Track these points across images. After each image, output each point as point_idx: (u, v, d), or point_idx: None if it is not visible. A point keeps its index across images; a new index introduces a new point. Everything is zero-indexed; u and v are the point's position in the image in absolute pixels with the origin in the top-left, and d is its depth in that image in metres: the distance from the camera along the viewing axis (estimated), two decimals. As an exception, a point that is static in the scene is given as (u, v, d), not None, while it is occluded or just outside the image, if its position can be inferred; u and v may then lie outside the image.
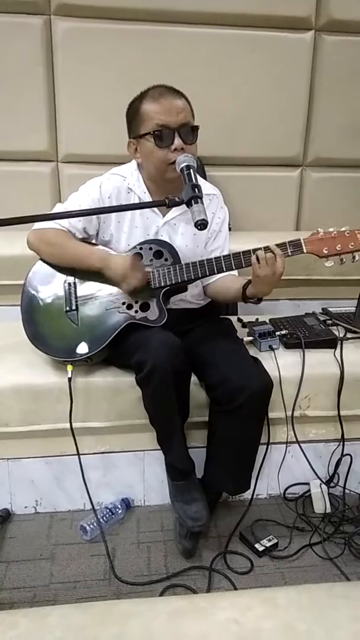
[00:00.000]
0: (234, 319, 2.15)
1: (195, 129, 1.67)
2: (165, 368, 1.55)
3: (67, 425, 1.70)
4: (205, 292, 1.91)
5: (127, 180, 1.77)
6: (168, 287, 1.70)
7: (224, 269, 1.69)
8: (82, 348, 1.70)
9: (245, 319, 2.18)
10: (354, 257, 1.65)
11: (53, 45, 2.41)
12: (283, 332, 1.98)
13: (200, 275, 1.70)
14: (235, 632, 0.96)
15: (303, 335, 1.94)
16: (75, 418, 1.73)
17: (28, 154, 2.54)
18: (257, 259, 1.61)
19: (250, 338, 1.95)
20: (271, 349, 1.91)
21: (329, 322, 2.11)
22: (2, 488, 1.89)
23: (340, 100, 2.61)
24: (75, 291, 1.76)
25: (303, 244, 1.65)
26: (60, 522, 1.89)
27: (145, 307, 1.70)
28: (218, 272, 1.71)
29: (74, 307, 1.75)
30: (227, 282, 1.81)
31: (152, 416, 1.71)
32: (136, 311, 1.70)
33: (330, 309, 2.22)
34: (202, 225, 1.37)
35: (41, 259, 1.81)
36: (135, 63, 2.41)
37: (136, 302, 1.71)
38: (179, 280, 1.69)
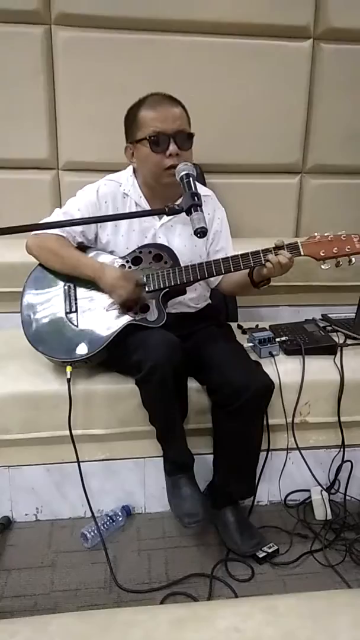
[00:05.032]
0: (234, 325, 2.16)
1: (190, 136, 1.71)
2: (164, 366, 1.57)
3: (67, 432, 1.70)
4: (220, 290, 1.96)
5: (123, 186, 1.81)
6: (167, 289, 1.72)
7: (223, 271, 1.71)
8: (82, 349, 1.71)
9: (246, 325, 2.18)
10: (350, 260, 1.68)
11: (53, 55, 2.43)
12: (283, 338, 1.98)
13: (199, 277, 1.72)
14: (236, 640, 0.96)
15: (303, 341, 1.95)
16: (76, 425, 1.73)
17: (29, 162, 2.55)
18: (271, 263, 1.65)
19: (251, 344, 1.95)
20: (271, 355, 1.91)
21: (329, 328, 2.11)
22: (2, 495, 1.89)
23: (338, 107, 2.62)
24: (75, 293, 1.78)
25: (300, 247, 1.68)
26: (61, 529, 1.89)
27: (144, 308, 1.72)
28: (217, 275, 1.74)
29: (73, 309, 1.76)
30: (233, 276, 1.82)
31: (153, 415, 1.72)
32: (135, 312, 1.72)
33: (330, 315, 2.23)
34: (201, 233, 1.39)
35: (40, 265, 1.84)
36: (135, 72, 2.42)
37: (135, 304, 1.72)
38: (178, 282, 1.71)
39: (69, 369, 1.70)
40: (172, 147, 1.65)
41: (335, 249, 1.66)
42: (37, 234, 1.79)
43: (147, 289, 1.73)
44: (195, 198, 1.43)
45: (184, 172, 1.54)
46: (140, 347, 1.62)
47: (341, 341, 2.01)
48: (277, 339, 1.96)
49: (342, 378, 1.87)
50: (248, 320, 2.29)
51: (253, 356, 1.89)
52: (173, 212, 1.36)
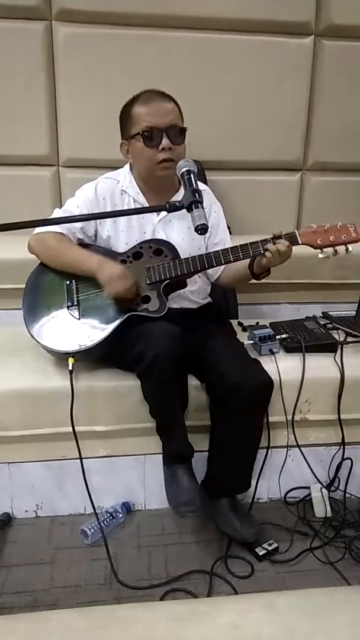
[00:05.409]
0: (234, 322, 2.16)
1: (183, 130, 1.74)
2: (166, 357, 1.58)
3: (68, 429, 1.69)
4: (219, 283, 1.98)
5: (121, 183, 1.84)
6: (168, 281, 1.73)
7: (223, 262, 1.74)
8: (84, 340, 1.71)
9: (246, 322, 2.18)
10: (347, 249, 1.71)
11: (54, 50, 2.43)
12: (283, 335, 1.98)
13: (199, 268, 1.74)
14: (236, 637, 0.96)
15: (303, 339, 1.94)
16: (77, 422, 1.73)
17: (29, 159, 2.55)
18: (270, 252, 1.68)
19: (251, 342, 1.95)
20: (272, 352, 1.91)
21: (330, 326, 2.11)
22: (3, 492, 1.89)
23: (339, 104, 2.62)
24: (77, 288, 1.79)
25: (298, 236, 1.72)
26: (61, 526, 1.89)
27: (146, 300, 1.74)
28: (217, 265, 1.76)
29: (75, 303, 1.77)
30: (232, 267, 1.85)
31: (153, 406, 1.73)
32: (137, 304, 1.73)
33: (330, 313, 2.23)
34: (202, 230, 1.39)
35: (41, 263, 1.84)
36: (135, 68, 2.42)
37: (137, 295, 1.74)
38: (179, 274, 1.73)
39: (70, 360, 1.70)
40: (165, 142, 1.68)
41: (332, 237, 1.70)
42: (38, 233, 1.81)
43: (147, 281, 1.74)
44: (196, 195, 1.43)
45: (184, 169, 1.54)
46: (141, 339, 1.63)
47: (341, 339, 2.01)
48: (278, 337, 1.96)
49: (342, 376, 1.87)
50: (248, 318, 2.29)
51: (253, 354, 1.90)
52: (174, 208, 1.36)
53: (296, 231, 1.72)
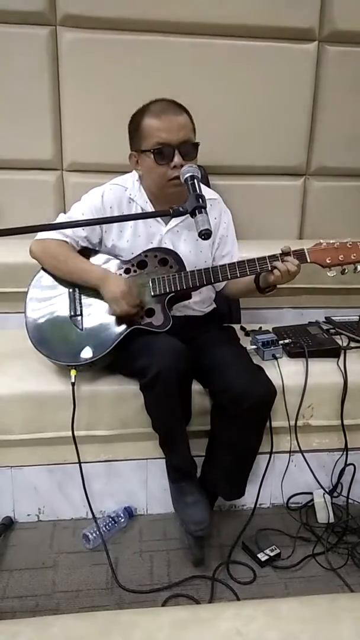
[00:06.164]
0: (237, 327, 2.15)
1: (195, 145, 1.68)
2: (169, 373, 1.56)
3: (70, 433, 1.70)
4: (224, 293, 1.95)
5: (129, 191, 1.79)
6: (173, 294, 1.72)
7: (229, 277, 1.71)
8: (87, 353, 1.71)
9: (249, 327, 2.18)
10: (355, 268, 1.69)
11: (58, 56, 2.44)
12: (286, 341, 1.97)
13: (205, 282, 1.72)
14: (238, 643, 0.96)
15: (306, 344, 1.94)
16: (79, 426, 1.73)
17: (33, 163, 2.56)
18: (279, 270, 1.65)
19: (254, 347, 1.95)
20: (274, 357, 1.90)
21: (333, 331, 2.10)
22: (5, 496, 1.89)
23: (343, 110, 2.63)
24: (80, 296, 1.78)
25: (307, 254, 1.69)
26: (63, 530, 1.89)
27: (150, 313, 1.72)
28: (223, 280, 1.74)
29: (78, 312, 1.76)
30: (237, 281, 1.82)
31: (156, 421, 1.72)
32: (141, 317, 1.71)
33: (333, 318, 2.22)
34: (205, 235, 1.39)
35: (43, 269, 1.83)
36: (139, 73, 2.43)
37: (142, 308, 1.72)
38: (184, 287, 1.71)
39: (73, 372, 1.70)
40: (177, 159, 1.63)
41: (341, 256, 1.67)
42: (40, 239, 1.79)
43: (152, 294, 1.72)
44: (200, 200, 1.43)
45: (188, 174, 1.54)
46: (145, 353, 1.61)
47: (345, 344, 2.00)
48: (281, 342, 1.96)
49: (345, 381, 1.87)
50: (251, 323, 2.29)
51: (256, 359, 1.89)
52: (177, 213, 1.35)
53: (305, 249, 1.68)
